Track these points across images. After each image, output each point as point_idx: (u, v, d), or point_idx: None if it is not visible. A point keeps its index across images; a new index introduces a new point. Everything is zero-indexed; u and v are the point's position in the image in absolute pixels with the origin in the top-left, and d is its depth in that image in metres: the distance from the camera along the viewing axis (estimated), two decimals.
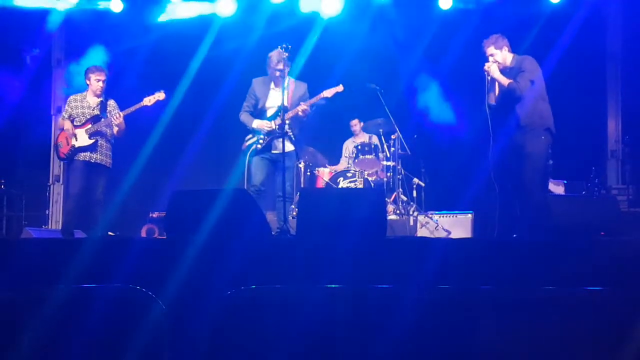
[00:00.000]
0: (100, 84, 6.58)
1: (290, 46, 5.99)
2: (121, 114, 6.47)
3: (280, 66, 6.08)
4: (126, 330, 3.59)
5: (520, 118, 5.65)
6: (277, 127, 6.18)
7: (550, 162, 6.85)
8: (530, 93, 5.61)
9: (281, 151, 6.02)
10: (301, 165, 7.90)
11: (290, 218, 6.74)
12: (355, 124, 8.53)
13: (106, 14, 8.54)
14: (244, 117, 6.36)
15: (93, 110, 6.56)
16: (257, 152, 6.26)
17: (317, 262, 3.81)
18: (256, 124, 6.26)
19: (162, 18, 8.48)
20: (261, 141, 6.24)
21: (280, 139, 6.11)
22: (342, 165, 8.40)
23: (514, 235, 5.50)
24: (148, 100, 6.58)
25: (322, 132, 8.40)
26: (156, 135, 8.46)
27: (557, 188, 7.64)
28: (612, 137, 8.54)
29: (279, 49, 6.05)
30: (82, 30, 8.45)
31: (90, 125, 6.50)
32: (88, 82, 6.64)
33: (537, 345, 3.51)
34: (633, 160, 7.95)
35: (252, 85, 6.40)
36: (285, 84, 6.16)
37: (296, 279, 3.73)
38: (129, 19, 8.55)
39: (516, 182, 5.66)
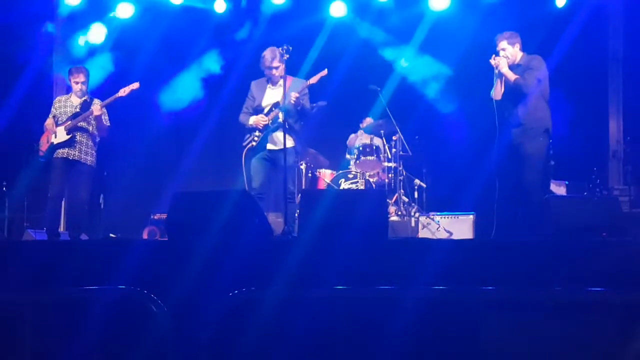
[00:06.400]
0: (79, 85, 6.62)
1: (291, 47, 5.98)
2: (99, 108, 6.42)
3: (276, 63, 6.10)
4: (128, 332, 3.59)
5: (520, 116, 5.66)
6: (270, 122, 6.19)
7: (552, 162, 6.85)
8: (534, 91, 5.63)
9: (277, 147, 6.10)
10: (302, 167, 7.90)
11: None
12: (369, 122, 8.42)
13: (110, 17, 8.54)
14: (241, 117, 6.36)
15: (76, 109, 6.60)
16: (254, 153, 6.24)
17: (318, 263, 3.81)
18: (252, 120, 6.25)
19: None
20: (256, 138, 6.23)
21: (275, 134, 6.16)
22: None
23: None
24: (123, 91, 6.58)
25: (323, 134, 8.39)
26: (158, 136, 8.48)
27: (558, 189, 7.64)
28: (613, 138, 8.53)
29: (280, 49, 6.05)
30: (84, 33, 8.45)
31: (69, 122, 6.54)
32: (70, 84, 6.73)
33: (540, 347, 3.51)
34: (634, 161, 7.93)
35: (250, 88, 6.41)
36: (280, 82, 6.19)
37: (298, 281, 3.73)
38: (130, 21, 8.56)
39: (516, 181, 5.67)
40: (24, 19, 8.28)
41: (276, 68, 6.15)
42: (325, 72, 6.27)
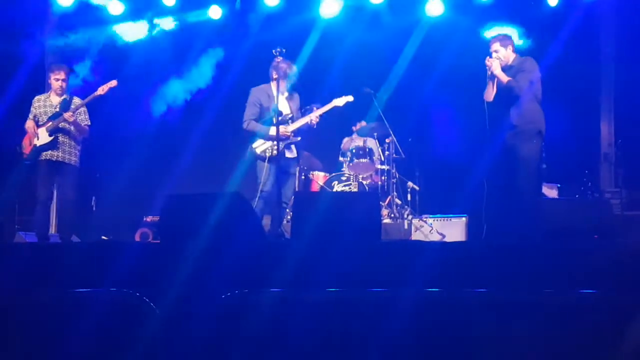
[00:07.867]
0: (59, 82, 6.54)
1: (284, 50, 5.97)
2: (71, 113, 6.36)
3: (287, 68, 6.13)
4: (120, 335, 3.58)
5: (513, 118, 5.68)
6: (291, 133, 6.21)
7: (544, 165, 6.88)
8: (526, 94, 5.65)
9: (290, 157, 6.22)
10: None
11: (285, 222, 6.74)
12: (363, 125, 8.44)
13: (102, 16, 8.52)
14: (254, 125, 6.22)
15: (55, 108, 6.52)
16: (270, 159, 6.18)
17: (311, 265, 3.81)
18: (274, 130, 6.16)
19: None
20: (277, 148, 6.16)
21: (289, 146, 6.22)
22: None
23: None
24: (101, 89, 6.48)
25: (316, 136, 8.37)
26: (151, 139, 8.46)
27: (550, 192, 7.67)
28: (605, 141, 8.57)
29: (273, 52, 6.03)
30: (77, 34, 8.43)
31: (50, 123, 6.45)
32: (50, 82, 6.66)
33: (532, 349, 3.52)
34: (626, 164, 7.97)
35: (252, 94, 6.29)
36: (286, 92, 6.22)
37: (290, 283, 3.73)
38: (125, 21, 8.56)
39: (508, 184, 5.69)
40: (16, 20, 8.25)
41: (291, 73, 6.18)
42: (351, 97, 6.44)
